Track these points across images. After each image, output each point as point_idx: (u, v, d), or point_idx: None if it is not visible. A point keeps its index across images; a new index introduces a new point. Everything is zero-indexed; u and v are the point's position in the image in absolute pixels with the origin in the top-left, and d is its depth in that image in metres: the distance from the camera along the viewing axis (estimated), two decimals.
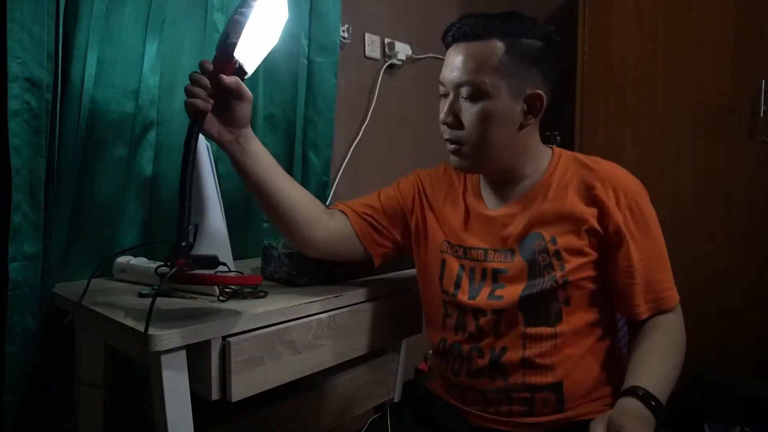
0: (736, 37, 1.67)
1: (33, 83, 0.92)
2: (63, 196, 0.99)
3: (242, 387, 0.81)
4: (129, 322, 0.77)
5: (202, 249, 0.94)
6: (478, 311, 0.88)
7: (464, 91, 0.85)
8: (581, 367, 0.86)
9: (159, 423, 0.77)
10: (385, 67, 1.80)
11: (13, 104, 0.90)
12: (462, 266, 0.92)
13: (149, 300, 0.89)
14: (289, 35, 1.35)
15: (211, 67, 0.80)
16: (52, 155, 0.97)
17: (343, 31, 1.62)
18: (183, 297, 0.92)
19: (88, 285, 0.89)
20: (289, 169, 1.42)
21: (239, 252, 1.30)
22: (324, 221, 0.96)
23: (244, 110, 0.84)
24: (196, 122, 0.79)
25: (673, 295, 0.88)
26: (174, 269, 0.78)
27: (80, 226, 1.05)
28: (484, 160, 0.89)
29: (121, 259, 1.06)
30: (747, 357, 1.64)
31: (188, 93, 0.79)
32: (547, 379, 0.84)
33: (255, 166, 0.87)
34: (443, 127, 0.90)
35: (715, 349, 1.69)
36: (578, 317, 0.86)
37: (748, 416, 1.51)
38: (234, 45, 0.79)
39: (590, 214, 0.85)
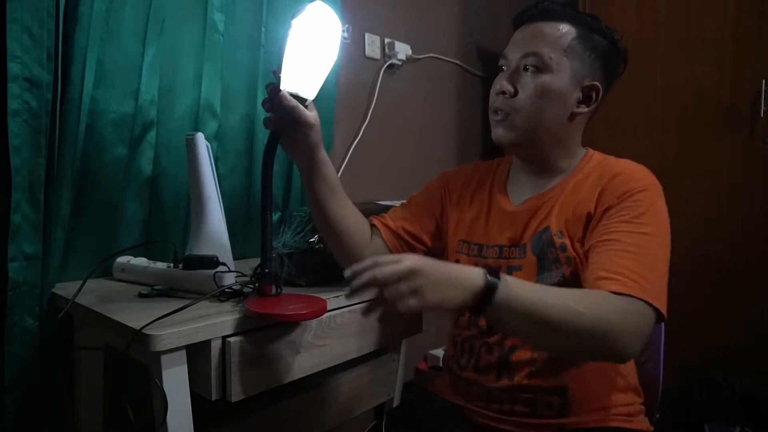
0: (736, 38, 1.67)
1: (33, 83, 0.92)
2: (63, 196, 0.99)
3: (242, 387, 0.81)
4: (129, 322, 0.77)
5: (202, 249, 0.94)
6: None
7: (529, 60, 0.86)
8: (586, 373, 0.85)
9: (159, 423, 0.77)
10: (385, 67, 1.80)
11: (12, 104, 0.90)
12: (476, 265, 0.92)
13: (149, 300, 0.90)
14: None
15: (269, 90, 0.81)
16: (52, 155, 0.97)
17: (343, 31, 1.62)
18: (183, 297, 0.92)
19: (83, 284, 0.90)
20: (288, 170, 1.42)
21: (239, 252, 1.30)
22: (369, 242, 0.97)
23: (308, 136, 0.85)
24: (269, 142, 0.84)
25: (625, 283, 0.72)
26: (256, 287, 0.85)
27: (80, 226, 1.05)
28: (528, 135, 0.87)
29: (121, 259, 1.06)
30: (747, 357, 1.64)
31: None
32: (551, 382, 0.84)
33: (320, 188, 0.90)
34: (496, 97, 0.89)
35: (715, 349, 1.69)
36: None
37: (748, 416, 1.51)
38: (278, 79, 0.79)
39: (594, 205, 0.84)
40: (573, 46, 0.86)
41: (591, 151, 0.95)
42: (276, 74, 0.80)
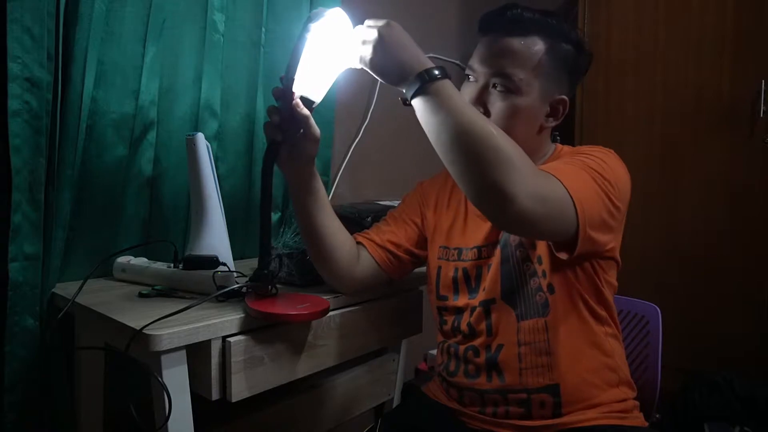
0: (736, 37, 1.67)
1: (33, 83, 0.92)
2: (63, 196, 0.99)
3: (242, 387, 0.81)
4: (129, 322, 0.77)
5: (202, 249, 0.95)
6: (473, 310, 0.90)
7: (498, 81, 0.84)
8: (579, 370, 0.85)
9: (161, 422, 0.77)
10: None
11: (13, 104, 0.90)
12: (456, 268, 0.93)
13: (149, 300, 0.91)
14: (289, 35, 1.35)
15: (278, 95, 0.80)
16: (52, 155, 0.97)
17: None
18: (183, 297, 0.92)
19: (84, 284, 0.90)
20: None
21: (239, 252, 1.30)
22: (357, 259, 0.95)
23: (308, 149, 0.84)
24: (269, 150, 0.81)
25: (546, 168, 0.76)
26: (250, 290, 0.83)
27: (80, 226, 1.05)
28: None
29: (122, 259, 1.06)
30: (747, 357, 1.65)
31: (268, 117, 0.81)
32: (543, 380, 0.84)
33: (310, 203, 0.87)
34: None
35: (715, 349, 1.69)
36: (566, 305, 0.85)
37: (748, 416, 1.51)
38: (291, 80, 0.78)
39: None
40: (543, 63, 0.84)
41: (560, 146, 0.95)
42: (287, 78, 0.78)
